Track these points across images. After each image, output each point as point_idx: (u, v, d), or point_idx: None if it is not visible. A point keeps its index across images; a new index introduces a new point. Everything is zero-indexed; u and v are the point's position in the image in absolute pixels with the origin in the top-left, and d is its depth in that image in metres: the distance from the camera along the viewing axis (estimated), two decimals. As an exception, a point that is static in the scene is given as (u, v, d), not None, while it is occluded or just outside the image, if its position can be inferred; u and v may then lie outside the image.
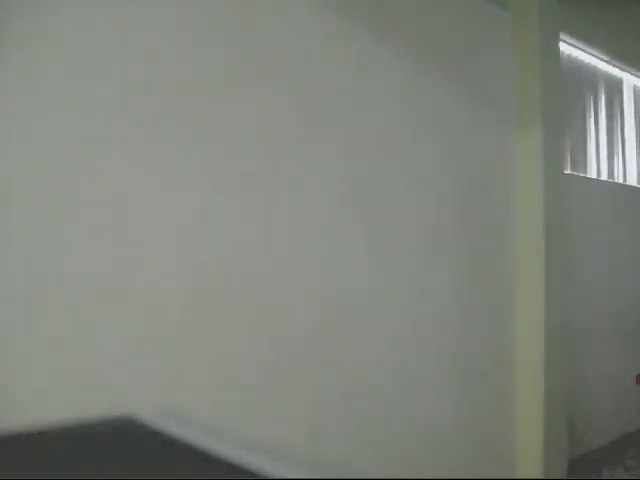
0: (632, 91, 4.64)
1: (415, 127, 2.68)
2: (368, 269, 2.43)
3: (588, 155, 4.13)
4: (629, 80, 4.60)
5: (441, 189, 2.78)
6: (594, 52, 4.13)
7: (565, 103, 3.64)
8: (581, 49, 4.03)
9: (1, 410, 1.48)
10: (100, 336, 1.69)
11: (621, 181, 4.47)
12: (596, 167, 4.20)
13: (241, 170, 2.05)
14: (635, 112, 4.65)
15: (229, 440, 0.48)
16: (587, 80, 4.14)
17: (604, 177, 4.27)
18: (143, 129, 1.81)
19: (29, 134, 1.60)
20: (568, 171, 3.80)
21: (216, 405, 1.87)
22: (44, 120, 1.62)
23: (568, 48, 3.89)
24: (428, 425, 2.60)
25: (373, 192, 2.48)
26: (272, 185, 2.13)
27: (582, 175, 4.01)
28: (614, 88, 4.45)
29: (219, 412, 1.67)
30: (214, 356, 1.93)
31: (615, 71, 4.43)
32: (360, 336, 2.39)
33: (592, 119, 4.18)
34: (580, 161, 4.04)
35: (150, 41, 1.84)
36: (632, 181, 4.60)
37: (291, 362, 2.15)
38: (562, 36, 3.56)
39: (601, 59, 4.23)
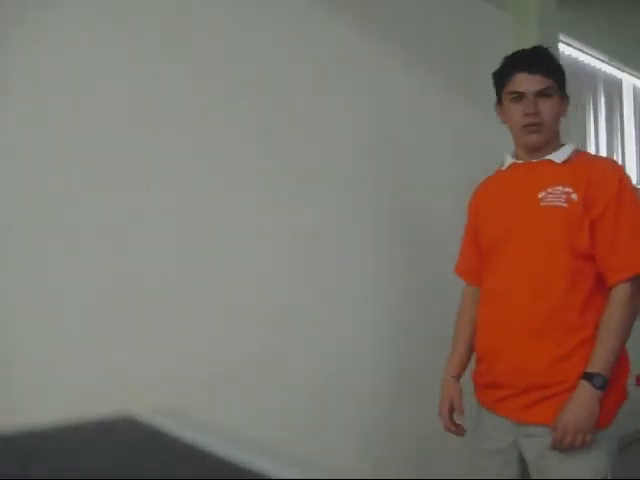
0: (632, 91, 4.64)
1: (413, 128, 2.68)
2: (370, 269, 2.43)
3: (588, 155, 4.13)
4: (628, 80, 4.60)
5: (439, 189, 2.78)
6: (593, 53, 4.13)
7: (565, 103, 3.64)
8: (580, 50, 4.03)
9: (1, 410, 1.48)
10: (99, 336, 1.69)
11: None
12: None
13: (241, 169, 2.05)
14: (635, 112, 4.65)
15: (229, 440, 0.48)
16: (586, 81, 4.14)
17: (604, 177, 4.27)
18: (143, 130, 1.81)
19: (29, 133, 1.60)
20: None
21: (216, 405, 1.87)
22: (43, 120, 1.62)
23: (567, 49, 3.89)
24: (425, 421, 2.61)
25: (369, 196, 2.48)
26: (278, 182, 2.13)
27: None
28: (614, 89, 4.45)
29: (219, 412, 1.67)
30: (215, 355, 1.93)
31: (614, 71, 4.44)
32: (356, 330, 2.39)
33: (592, 120, 4.19)
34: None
35: (149, 42, 1.84)
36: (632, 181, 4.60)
37: (292, 359, 2.15)
38: (561, 37, 3.56)
39: (600, 59, 4.24)
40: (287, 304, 2.15)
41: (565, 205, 1.55)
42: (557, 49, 3.34)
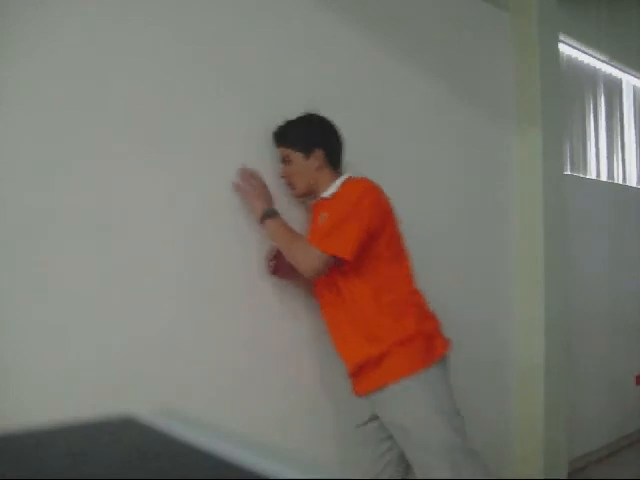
0: (632, 92, 4.64)
1: (413, 127, 2.68)
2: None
3: (588, 156, 4.13)
4: (629, 80, 4.60)
5: (439, 189, 2.78)
6: (593, 52, 4.13)
7: (565, 104, 3.64)
8: (580, 50, 4.03)
9: (1, 410, 1.48)
10: (100, 336, 1.69)
11: (621, 182, 4.47)
12: (596, 168, 4.20)
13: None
14: (635, 113, 4.65)
15: (229, 440, 0.48)
16: (587, 81, 4.14)
17: (604, 178, 4.27)
18: (143, 130, 1.82)
19: (28, 133, 1.60)
20: (568, 172, 3.80)
21: (216, 405, 1.87)
22: (43, 120, 1.62)
23: (567, 49, 3.89)
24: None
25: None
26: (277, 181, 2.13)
27: (582, 176, 4.01)
28: (614, 89, 4.45)
29: (219, 412, 1.68)
30: (215, 355, 1.93)
31: (615, 71, 4.44)
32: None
33: (592, 120, 4.19)
34: (580, 162, 4.05)
35: (149, 42, 1.84)
36: (632, 182, 4.60)
37: (292, 359, 2.15)
38: (561, 36, 3.56)
39: (601, 59, 4.24)
40: (288, 304, 2.15)
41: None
42: (557, 49, 3.34)
